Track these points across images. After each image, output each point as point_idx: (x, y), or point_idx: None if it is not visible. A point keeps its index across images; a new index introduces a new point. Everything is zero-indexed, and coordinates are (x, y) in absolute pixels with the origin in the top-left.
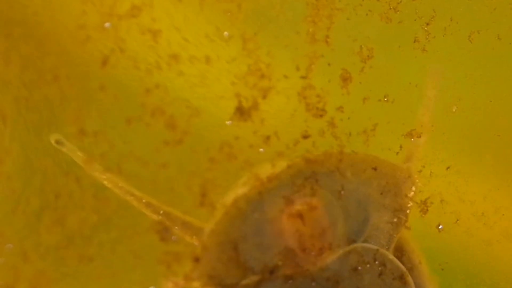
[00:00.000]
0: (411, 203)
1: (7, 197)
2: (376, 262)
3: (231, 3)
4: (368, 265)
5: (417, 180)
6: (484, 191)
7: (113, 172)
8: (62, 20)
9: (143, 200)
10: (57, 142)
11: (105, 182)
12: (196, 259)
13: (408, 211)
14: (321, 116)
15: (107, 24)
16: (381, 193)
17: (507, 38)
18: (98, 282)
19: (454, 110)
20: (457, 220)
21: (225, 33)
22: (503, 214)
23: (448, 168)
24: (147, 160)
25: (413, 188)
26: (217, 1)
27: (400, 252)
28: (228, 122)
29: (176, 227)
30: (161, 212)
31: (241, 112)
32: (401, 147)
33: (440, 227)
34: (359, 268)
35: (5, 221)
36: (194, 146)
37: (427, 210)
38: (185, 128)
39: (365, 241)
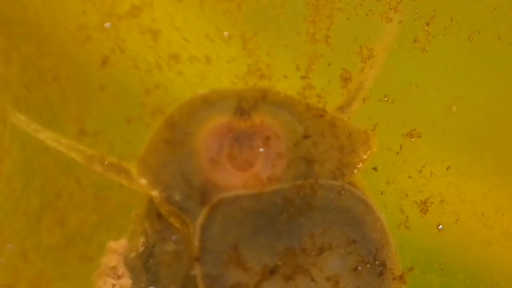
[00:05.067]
0: (361, 164)
1: (7, 197)
2: (376, 262)
3: (231, 3)
4: (368, 265)
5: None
6: (484, 191)
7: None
8: (62, 20)
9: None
10: None
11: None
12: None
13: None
14: (321, 116)
15: (107, 24)
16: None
17: (507, 38)
18: None
19: (454, 110)
20: (457, 220)
21: (225, 33)
22: (503, 214)
23: (448, 168)
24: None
25: (368, 153)
26: (217, 1)
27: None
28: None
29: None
30: (106, 163)
31: (241, 112)
32: (401, 147)
33: (440, 227)
34: (359, 268)
35: (5, 221)
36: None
37: (427, 210)
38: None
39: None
